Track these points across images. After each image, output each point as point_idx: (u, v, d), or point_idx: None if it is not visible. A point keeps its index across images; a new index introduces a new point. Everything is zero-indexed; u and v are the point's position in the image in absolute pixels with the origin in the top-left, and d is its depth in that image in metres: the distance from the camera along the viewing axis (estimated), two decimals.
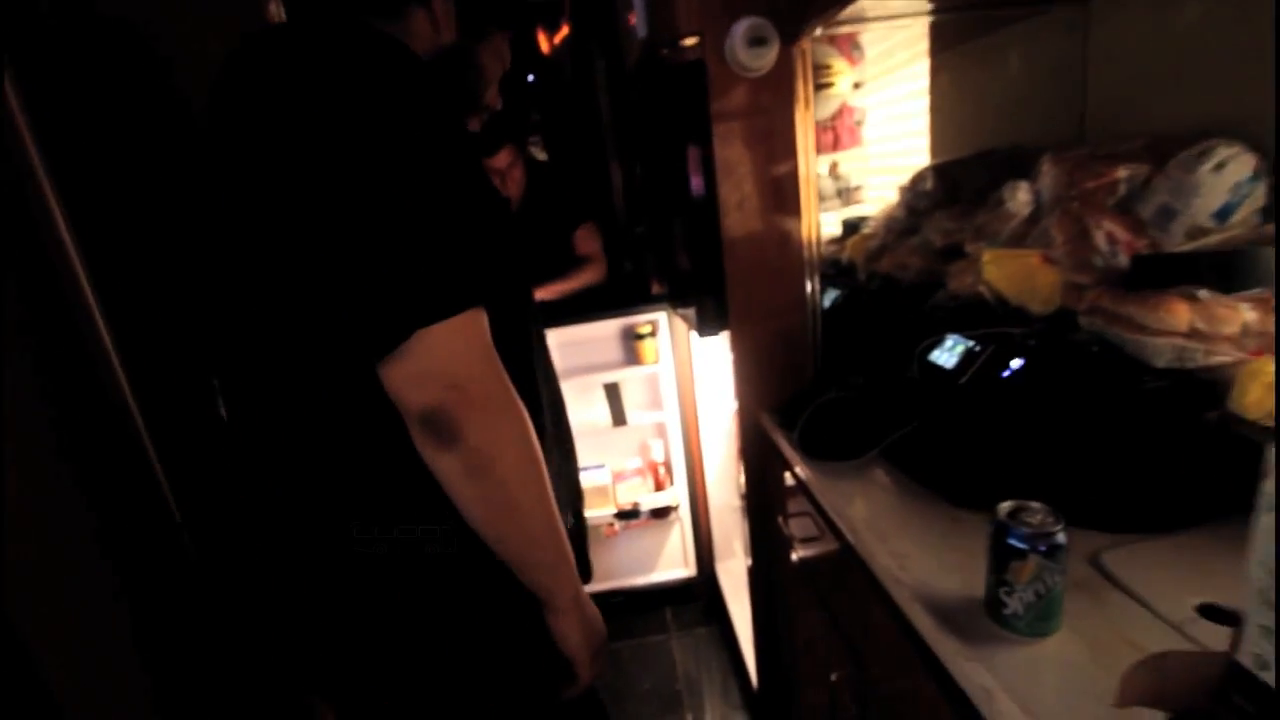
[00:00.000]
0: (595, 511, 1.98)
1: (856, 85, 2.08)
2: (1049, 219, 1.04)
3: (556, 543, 0.67)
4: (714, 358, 1.94)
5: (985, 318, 1.06)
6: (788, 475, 1.22)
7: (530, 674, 0.72)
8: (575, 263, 2.01)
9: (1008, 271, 1.01)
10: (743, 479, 1.44)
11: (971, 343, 0.99)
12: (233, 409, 0.74)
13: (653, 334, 1.91)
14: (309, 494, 0.66)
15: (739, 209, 1.23)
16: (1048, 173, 1.06)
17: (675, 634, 2.13)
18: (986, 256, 1.04)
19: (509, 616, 0.69)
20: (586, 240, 2.03)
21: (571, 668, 0.73)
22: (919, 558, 0.79)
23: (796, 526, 1.22)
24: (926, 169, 1.45)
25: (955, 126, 1.66)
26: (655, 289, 1.96)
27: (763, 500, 1.41)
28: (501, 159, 1.89)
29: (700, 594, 2.24)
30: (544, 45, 2.80)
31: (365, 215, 0.56)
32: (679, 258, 1.57)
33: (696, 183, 1.25)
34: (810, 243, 1.25)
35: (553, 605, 0.69)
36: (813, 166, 1.21)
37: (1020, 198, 1.07)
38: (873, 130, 2.13)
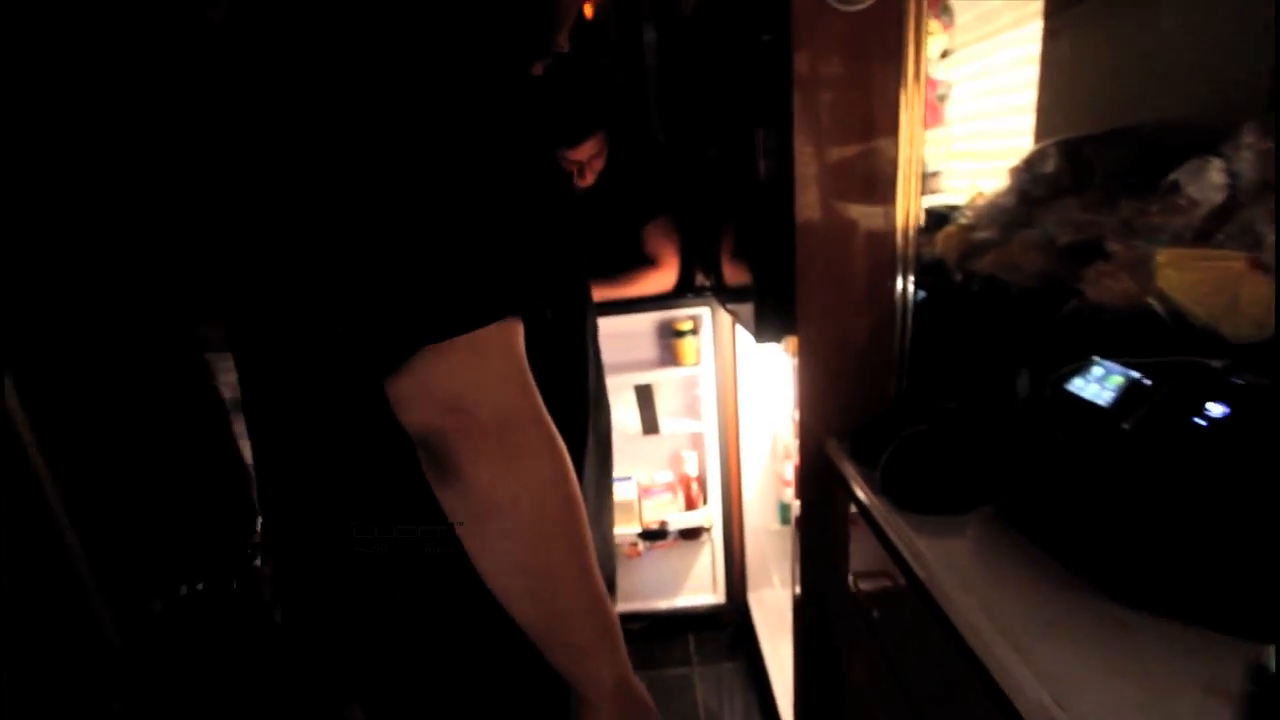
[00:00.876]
0: (618, 530, 1.76)
1: (944, 54, 1.80)
2: (1253, 210, 0.76)
3: (594, 620, 0.56)
4: (762, 362, 1.69)
5: (1150, 339, 0.80)
6: (852, 508, 0.98)
7: (532, 676, 0.62)
8: (637, 262, 1.65)
9: (1195, 279, 0.75)
10: (795, 510, 1.19)
11: (1137, 374, 0.74)
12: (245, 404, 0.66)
13: (694, 331, 1.66)
14: (309, 493, 0.62)
15: (817, 186, 0.98)
16: (1251, 149, 0.79)
17: (698, 666, 1.92)
18: (1163, 258, 0.78)
19: (509, 619, 0.60)
20: (657, 238, 1.65)
21: None
22: (1084, 687, 0.55)
23: (868, 584, 0.98)
24: (1048, 146, 1.18)
25: (1073, 101, 1.38)
26: (699, 280, 1.72)
27: (821, 543, 1.16)
28: (585, 149, 1.52)
29: (728, 622, 2.01)
30: (587, 9, 2.55)
31: (367, 203, 0.46)
32: (731, 246, 1.32)
33: (765, 153, 1.00)
34: (906, 234, 0.99)
35: (586, 697, 0.57)
36: (919, 137, 0.95)
37: (1213, 179, 0.79)
38: (958, 107, 1.85)
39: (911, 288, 1.03)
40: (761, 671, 1.77)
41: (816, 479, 1.12)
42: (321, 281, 0.50)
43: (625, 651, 0.58)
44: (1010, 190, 1.21)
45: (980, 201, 1.29)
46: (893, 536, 0.84)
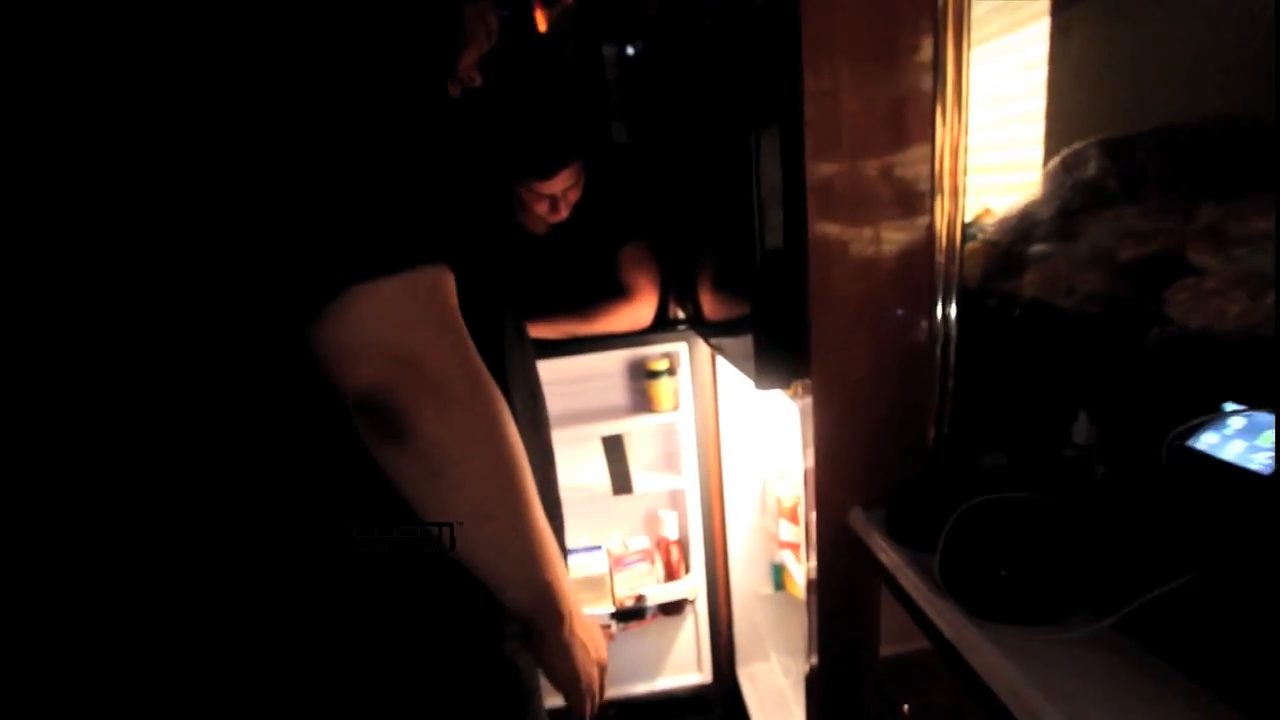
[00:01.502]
0: (586, 610, 1.48)
1: None
2: None
3: (541, 557, 0.60)
4: (748, 402, 1.46)
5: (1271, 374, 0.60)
6: (887, 595, 0.74)
7: (530, 675, 0.69)
8: (607, 293, 1.42)
9: None
10: (812, 612, 0.95)
11: None
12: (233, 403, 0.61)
13: (670, 371, 1.42)
14: (309, 493, 0.59)
15: (835, 196, 0.77)
16: None
17: None
18: None
19: (509, 619, 0.65)
20: (631, 265, 1.41)
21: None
22: None
23: (917, 714, 0.73)
24: (1087, 148, 1.00)
25: (1093, 102, 1.21)
26: (673, 311, 1.49)
27: (847, 660, 0.91)
28: (559, 181, 1.31)
29: (715, 703, 1.74)
30: (541, 22, 2.36)
31: (288, 143, 0.46)
32: (712, 272, 1.10)
33: (765, 160, 0.79)
34: (950, 252, 0.79)
35: (539, 632, 0.64)
36: (965, 124, 0.75)
37: None
38: None
39: (954, 316, 0.82)
40: None
41: (840, 561, 0.88)
42: (251, 236, 0.48)
43: (567, 590, 0.64)
44: (1044, 199, 1.02)
45: (1003, 213, 1.10)
46: (977, 666, 0.60)
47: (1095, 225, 0.94)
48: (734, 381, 1.46)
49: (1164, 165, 0.93)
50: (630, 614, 1.48)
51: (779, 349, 0.83)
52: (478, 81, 0.78)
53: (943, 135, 0.75)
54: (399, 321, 0.49)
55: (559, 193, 1.34)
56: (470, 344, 0.52)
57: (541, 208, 1.36)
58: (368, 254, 0.47)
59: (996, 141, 1.58)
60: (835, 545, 0.88)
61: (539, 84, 1.41)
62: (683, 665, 1.71)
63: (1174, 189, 0.88)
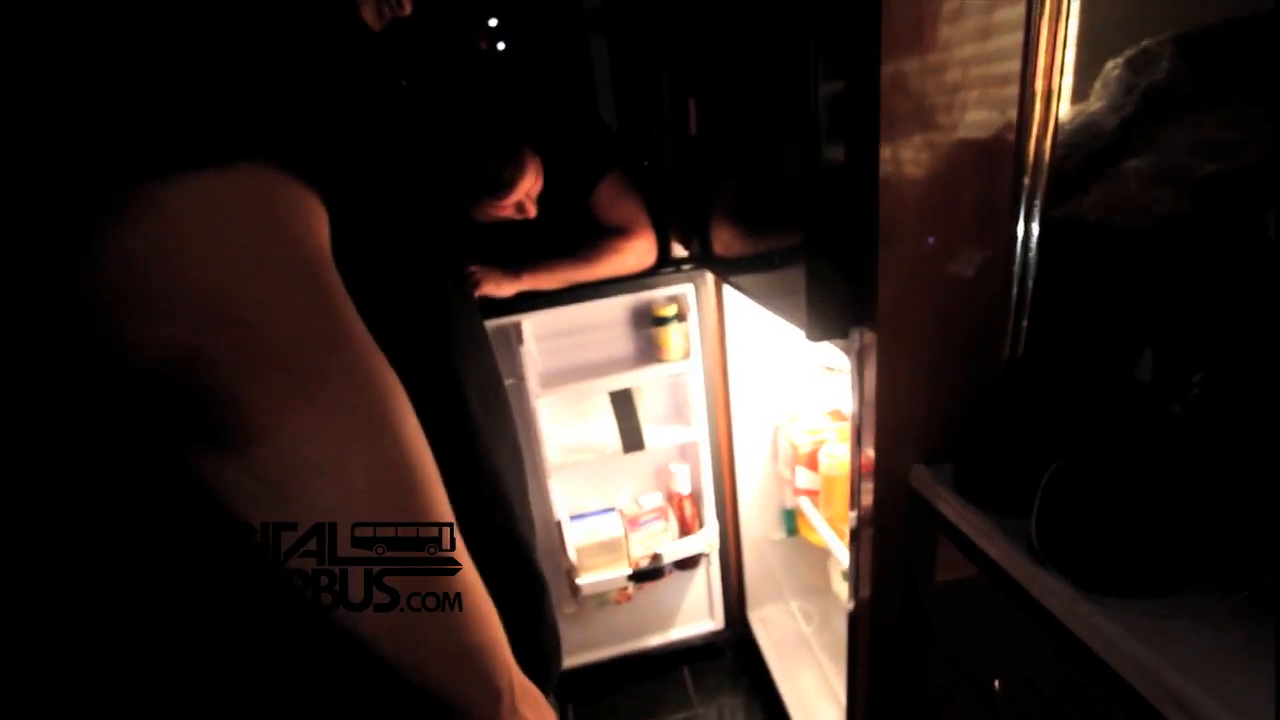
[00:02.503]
0: (602, 574, 1.40)
1: None
2: None
3: (467, 612, 0.42)
4: (759, 341, 1.36)
5: None
6: (952, 561, 0.68)
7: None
8: (596, 236, 1.26)
9: None
10: (861, 579, 0.88)
11: None
12: None
13: (680, 317, 1.31)
14: None
15: (911, 96, 0.64)
16: None
17: (698, 705, 1.64)
18: None
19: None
20: (616, 200, 1.25)
21: None
22: None
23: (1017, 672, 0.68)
24: (1157, 44, 0.89)
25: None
26: (677, 249, 1.36)
27: (902, 634, 0.86)
28: (519, 190, 1.14)
29: (725, 647, 1.74)
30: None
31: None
32: (740, 197, 0.97)
33: (820, 65, 0.65)
34: (1034, 164, 0.68)
35: None
36: (1066, 8, 0.63)
37: None
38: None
39: (1035, 245, 0.72)
40: (773, 699, 1.51)
41: (900, 527, 0.81)
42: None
43: (505, 655, 0.47)
44: (1103, 106, 0.91)
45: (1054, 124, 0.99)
46: (1098, 648, 0.53)
47: (1168, 136, 0.84)
48: (743, 322, 1.35)
49: (1231, 66, 0.83)
50: (647, 574, 1.42)
51: (838, 291, 0.72)
52: (406, 9, 0.58)
53: (1039, 22, 0.63)
54: (220, 254, 0.31)
55: (522, 197, 1.17)
56: (342, 301, 0.35)
57: (507, 213, 1.19)
58: (163, 136, 0.29)
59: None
60: (891, 504, 0.81)
61: (470, 100, 1.17)
62: (695, 614, 1.68)
63: (1253, 92, 0.78)
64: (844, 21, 0.63)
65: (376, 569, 0.38)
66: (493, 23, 1.97)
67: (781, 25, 0.71)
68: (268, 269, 0.32)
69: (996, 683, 0.65)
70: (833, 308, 0.73)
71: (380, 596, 0.39)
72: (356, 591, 0.39)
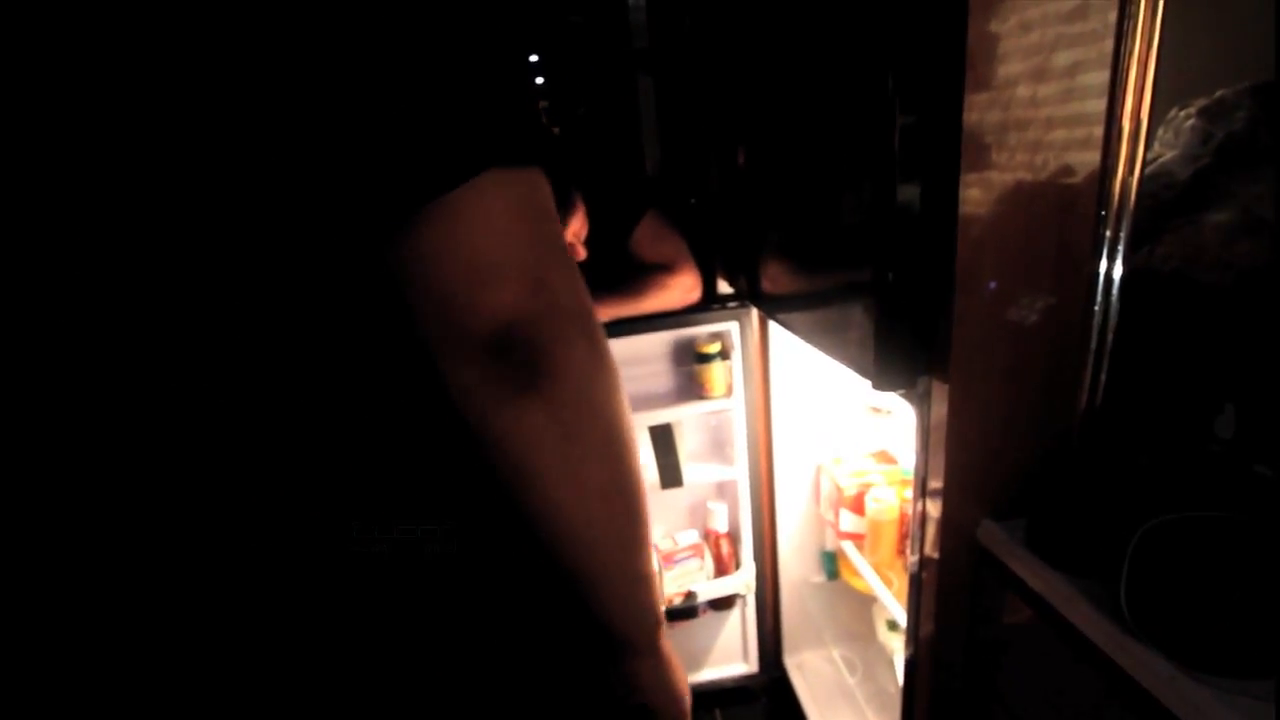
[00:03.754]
0: None
1: None
2: None
3: (649, 544, 0.51)
4: (803, 380, 1.34)
5: None
6: (1022, 620, 0.64)
7: (531, 682, 0.60)
8: (639, 273, 1.26)
9: None
10: (922, 637, 0.84)
11: None
12: (227, 399, 0.54)
13: (723, 355, 1.30)
14: (307, 492, 0.55)
15: (991, 135, 0.63)
16: None
17: None
18: None
19: (511, 622, 0.58)
20: (654, 241, 1.26)
21: None
22: None
23: None
24: (1235, 94, 0.87)
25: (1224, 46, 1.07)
26: (723, 285, 1.35)
27: (973, 690, 0.82)
28: (570, 229, 1.16)
29: (760, 692, 1.68)
30: None
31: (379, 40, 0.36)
32: (797, 236, 0.96)
33: (900, 100, 0.65)
34: (1118, 207, 0.66)
35: (642, 647, 0.54)
36: (1157, 41, 0.61)
37: None
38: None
39: (1116, 293, 0.70)
40: None
41: (964, 584, 0.78)
42: (333, 154, 0.37)
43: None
44: (1177, 155, 0.89)
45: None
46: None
47: (1245, 188, 0.82)
48: (787, 360, 1.34)
49: None
50: (680, 613, 1.38)
51: (907, 338, 0.70)
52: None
53: (1128, 59, 0.61)
54: (533, 233, 0.40)
55: (570, 239, 1.18)
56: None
57: None
58: (495, 138, 0.38)
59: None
60: (955, 558, 0.78)
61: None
62: (728, 656, 1.64)
63: None
64: (926, 58, 0.62)
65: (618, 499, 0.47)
66: (534, 58, 2.01)
67: (858, 61, 0.71)
68: (555, 249, 0.41)
69: None
70: (902, 355, 0.71)
71: (616, 517, 0.48)
72: (603, 509, 0.47)
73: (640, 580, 0.51)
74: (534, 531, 0.48)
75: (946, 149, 0.63)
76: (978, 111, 0.62)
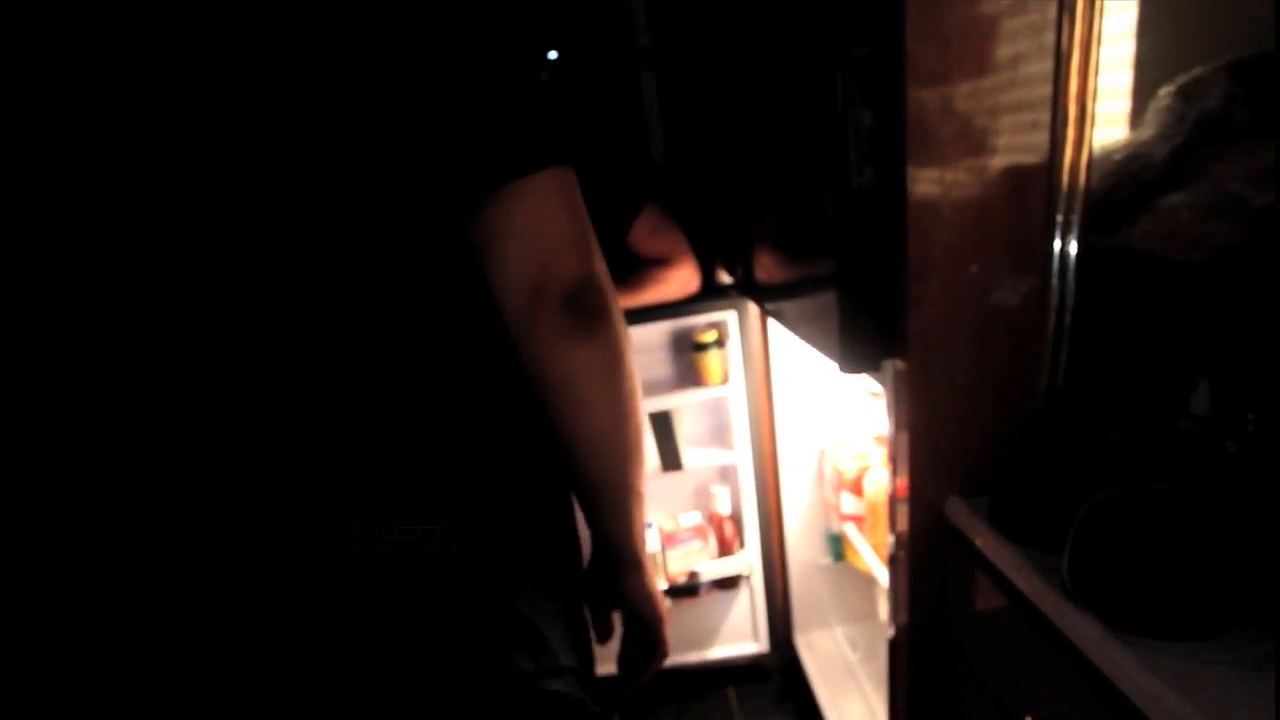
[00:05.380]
0: None
1: None
2: None
3: (644, 465, 0.65)
4: (804, 367, 1.38)
5: None
6: (987, 594, 0.67)
7: (530, 680, 0.62)
8: (638, 267, 1.30)
9: None
10: (899, 607, 0.88)
11: None
12: (228, 398, 0.59)
13: (719, 343, 1.34)
14: (307, 491, 0.57)
15: (938, 124, 0.66)
16: None
17: None
18: None
19: (511, 620, 0.60)
20: (652, 236, 1.30)
21: (649, 645, 0.72)
22: None
23: None
24: (1211, 71, 0.87)
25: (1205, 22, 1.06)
26: (719, 277, 1.39)
27: (937, 645, 0.85)
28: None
29: (772, 670, 1.72)
30: None
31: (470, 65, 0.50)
32: (774, 228, 1.00)
33: (851, 96, 0.68)
34: (1069, 191, 0.68)
35: (631, 558, 0.68)
36: (1099, 30, 0.63)
37: None
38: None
39: (1073, 273, 0.72)
40: None
41: (934, 557, 0.81)
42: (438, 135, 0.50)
43: None
44: (1155, 135, 0.90)
45: (1100, 152, 0.98)
46: (1130, 693, 0.52)
47: (1220, 166, 0.82)
48: (788, 348, 1.37)
49: None
50: (683, 590, 1.44)
51: (869, 323, 0.73)
52: None
53: (1069, 45, 0.63)
54: (579, 215, 0.53)
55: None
56: None
57: None
58: (551, 142, 0.51)
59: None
60: (925, 532, 0.81)
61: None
62: (738, 635, 1.68)
63: None
64: (867, 48, 0.65)
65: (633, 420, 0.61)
66: (553, 55, 2.06)
67: (810, 53, 0.74)
68: (591, 229, 0.54)
69: (1028, 719, 0.65)
70: (865, 339, 0.74)
71: (631, 435, 0.61)
72: (625, 428, 0.60)
73: (639, 496, 0.65)
74: (572, 449, 0.60)
75: (891, 139, 0.66)
76: (921, 103, 0.65)
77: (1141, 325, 0.81)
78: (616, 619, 0.75)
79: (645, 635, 0.72)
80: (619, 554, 0.67)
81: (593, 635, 0.74)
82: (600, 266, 0.55)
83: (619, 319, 0.57)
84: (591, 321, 0.54)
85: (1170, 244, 0.81)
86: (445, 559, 0.58)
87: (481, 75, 0.50)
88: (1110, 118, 1.13)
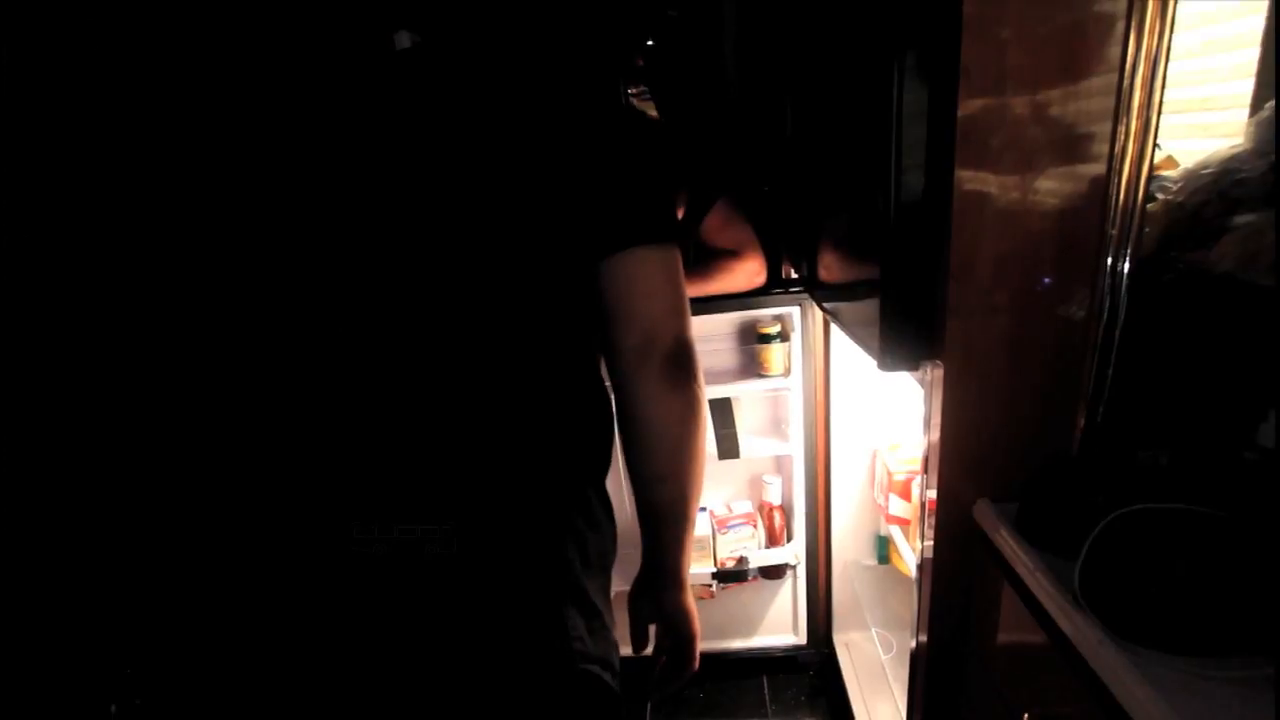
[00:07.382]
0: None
1: None
2: None
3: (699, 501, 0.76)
4: (861, 369, 1.39)
5: None
6: (1008, 596, 0.68)
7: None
8: (709, 257, 1.35)
9: None
10: (920, 603, 0.90)
11: None
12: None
13: (782, 336, 1.37)
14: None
15: (989, 134, 0.68)
16: None
17: (773, 716, 1.67)
18: None
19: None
20: (723, 228, 1.34)
21: (682, 658, 0.78)
22: None
23: None
24: None
25: None
26: (786, 272, 1.42)
27: (957, 649, 0.86)
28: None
29: (808, 665, 1.75)
30: None
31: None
32: (836, 228, 1.02)
33: (902, 97, 0.70)
34: (1124, 205, 0.68)
35: (676, 577, 0.75)
36: (1167, 44, 0.63)
37: None
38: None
39: (1125, 288, 0.71)
40: None
41: (955, 550, 0.83)
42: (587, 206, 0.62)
43: None
44: (1253, 149, 0.85)
45: (1192, 165, 0.93)
46: (1121, 696, 0.54)
47: None
48: (847, 347, 1.38)
49: None
50: (731, 575, 1.49)
51: (909, 324, 0.76)
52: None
53: (1135, 57, 0.63)
54: (681, 285, 0.66)
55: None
56: None
57: None
58: (670, 222, 0.66)
59: (1188, 73, 1.34)
60: (954, 536, 0.83)
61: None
62: (779, 626, 1.72)
63: None
64: (924, 54, 0.67)
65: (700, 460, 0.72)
66: (650, 43, 2.12)
67: (868, 56, 0.77)
68: (687, 298, 0.67)
69: (1025, 716, 0.66)
70: (905, 339, 0.77)
71: (699, 473, 0.72)
72: (696, 467, 0.71)
73: (693, 525, 0.74)
74: (650, 478, 0.69)
75: (941, 146, 0.68)
76: (975, 112, 0.66)
77: (1209, 349, 0.79)
78: (651, 632, 0.82)
79: (680, 649, 0.78)
80: (666, 572, 0.74)
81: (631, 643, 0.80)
82: (691, 332, 0.66)
83: (702, 377, 0.68)
84: (684, 375, 0.65)
85: (1252, 267, 0.78)
86: (445, 559, 0.60)
87: (631, 174, 0.63)
88: (1220, 128, 1.07)
